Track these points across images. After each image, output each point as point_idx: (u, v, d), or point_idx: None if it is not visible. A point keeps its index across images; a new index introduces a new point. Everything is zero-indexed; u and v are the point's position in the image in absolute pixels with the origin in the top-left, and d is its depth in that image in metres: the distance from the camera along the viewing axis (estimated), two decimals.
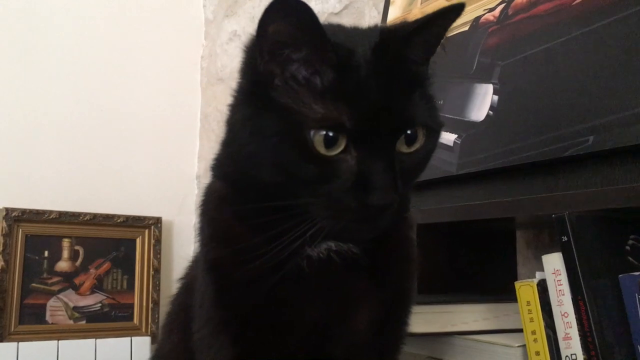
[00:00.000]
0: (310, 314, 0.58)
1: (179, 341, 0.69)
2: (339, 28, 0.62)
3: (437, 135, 0.61)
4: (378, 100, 0.53)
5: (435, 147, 0.61)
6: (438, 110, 0.62)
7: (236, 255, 0.57)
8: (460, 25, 1.14)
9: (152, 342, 2.00)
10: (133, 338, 1.98)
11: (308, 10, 0.52)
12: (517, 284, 0.77)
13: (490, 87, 1.03)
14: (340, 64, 0.54)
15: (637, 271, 0.72)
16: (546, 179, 0.91)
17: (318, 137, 0.53)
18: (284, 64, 0.56)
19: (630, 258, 0.76)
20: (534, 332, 0.75)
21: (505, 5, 1.06)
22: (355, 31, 0.62)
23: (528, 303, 0.76)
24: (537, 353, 0.74)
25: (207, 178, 2.05)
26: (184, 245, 2.24)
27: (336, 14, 1.66)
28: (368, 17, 1.54)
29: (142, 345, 1.98)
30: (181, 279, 0.77)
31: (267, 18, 0.54)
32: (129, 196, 2.12)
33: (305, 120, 0.53)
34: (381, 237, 0.57)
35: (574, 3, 0.94)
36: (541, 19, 0.98)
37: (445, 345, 0.82)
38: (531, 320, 0.75)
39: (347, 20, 1.62)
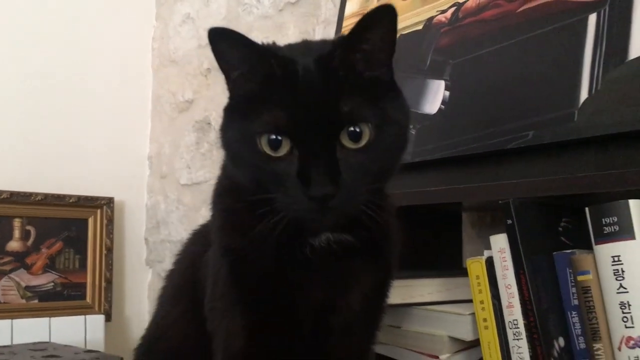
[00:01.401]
0: (314, 292, 0.67)
1: (186, 311, 0.77)
2: (297, 44, 0.71)
3: (395, 129, 0.65)
4: (313, 104, 0.61)
5: (401, 139, 0.67)
6: (399, 107, 0.67)
7: (245, 241, 0.65)
8: (414, 24, 1.24)
9: (106, 320, 2.05)
10: (87, 316, 2.02)
11: (235, 34, 0.63)
12: (467, 261, 0.88)
13: (442, 83, 1.13)
14: (282, 75, 0.62)
15: (568, 249, 0.84)
16: (491, 168, 1.02)
17: (264, 141, 0.62)
18: (233, 80, 0.66)
19: (562, 238, 0.88)
20: (482, 302, 0.86)
21: (456, 9, 1.17)
22: (309, 45, 0.70)
23: (477, 277, 0.87)
24: (485, 319, 0.86)
25: (159, 158, 2.08)
26: (135, 225, 2.28)
27: (293, 3, 1.73)
28: (324, 8, 1.62)
29: (96, 323, 2.02)
30: (178, 257, 0.85)
31: (210, 46, 0.64)
32: (81, 176, 2.13)
33: (253, 127, 0.62)
34: (365, 225, 0.66)
35: (518, 11, 1.05)
36: (489, 23, 1.09)
37: (405, 315, 0.93)
38: (480, 291, 0.86)
39: (303, 11, 1.70)
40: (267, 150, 0.62)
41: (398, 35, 0.69)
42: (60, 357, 1.48)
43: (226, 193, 0.72)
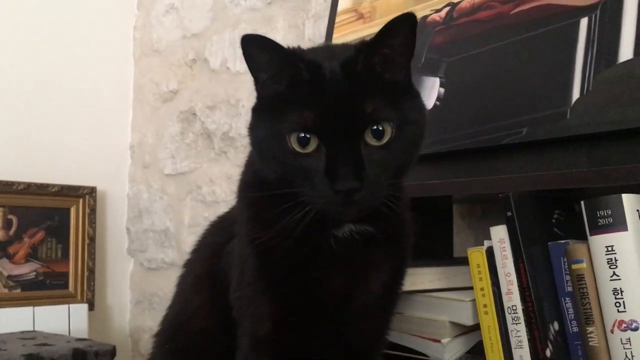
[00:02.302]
0: (337, 280, 0.72)
1: (209, 299, 0.80)
2: (321, 48, 0.77)
3: (413, 128, 0.70)
4: (339, 105, 0.65)
5: (418, 137, 0.72)
6: (417, 107, 0.72)
7: (272, 233, 0.69)
8: None
9: (90, 309, 2.05)
10: (70, 305, 2.02)
11: (265, 39, 0.67)
12: (468, 250, 0.94)
13: (437, 80, 1.18)
14: (310, 77, 0.67)
15: (561, 240, 0.90)
16: (486, 163, 1.08)
17: (293, 139, 0.66)
18: (262, 82, 0.70)
19: (555, 229, 0.94)
20: (482, 289, 0.92)
21: (450, 8, 1.22)
22: (332, 49, 0.75)
23: (478, 266, 0.92)
24: (485, 305, 0.91)
25: (141, 148, 2.08)
26: (117, 214, 2.28)
27: None
28: (314, 3, 1.65)
29: (80, 312, 2.03)
30: (197, 247, 0.88)
31: (242, 51, 0.68)
32: (63, 166, 2.12)
33: (283, 126, 0.66)
34: (385, 217, 0.70)
35: (512, 13, 1.11)
36: (483, 23, 1.14)
37: (408, 301, 0.98)
38: (480, 279, 0.92)
39: (292, 4, 1.73)
40: (296, 147, 0.66)
41: (411, 44, 0.73)
42: (52, 345, 1.49)
43: (251, 188, 0.75)
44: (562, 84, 0.99)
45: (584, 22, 1.00)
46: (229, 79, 1.90)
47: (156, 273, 2.16)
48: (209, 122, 1.95)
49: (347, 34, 1.41)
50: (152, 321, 2.15)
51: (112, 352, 1.51)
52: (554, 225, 0.94)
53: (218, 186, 1.91)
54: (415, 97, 0.73)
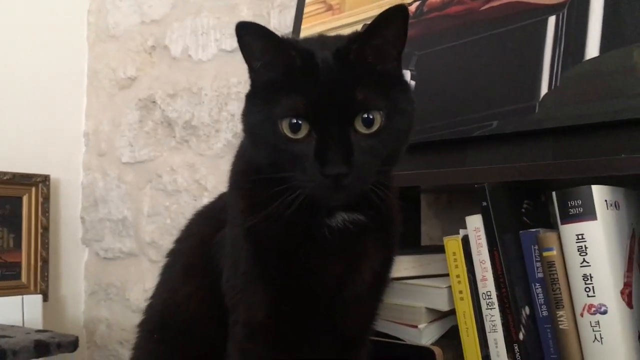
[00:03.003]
0: (331, 268, 0.74)
1: (199, 288, 0.81)
2: (314, 38, 0.78)
3: (403, 117, 0.72)
4: (331, 92, 0.67)
5: (407, 127, 0.74)
6: (406, 97, 0.74)
7: (267, 222, 0.70)
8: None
9: (44, 300, 2.01)
10: (24, 296, 1.97)
11: (260, 27, 0.69)
12: (445, 239, 0.97)
13: (407, 73, 1.21)
14: (302, 65, 0.68)
15: (529, 228, 0.94)
16: (456, 154, 1.11)
17: (285, 125, 0.68)
18: (256, 69, 0.71)
19: (525, 218, 0.99)
20: (458, 276, 0.95)
21: (420, 3, 1.24)
22: (325, 39, 0.76)
23: (454, 253, 0.96)
24: (460, 292, 0.95)
25: (96, 135, 2.04)
26: (72, 203, 2.23)
27: None
28: None
29: (34, 303, 1.97)
30: (182, 236, 0.88)
31: (237, 38, 0.69)
32: (15, 153, 2.05)
33: (275, 112, 0.68)
34: (375, 205, 0.72)
35: (482, 9, 1.14)
36: (454, 18, 1.18)
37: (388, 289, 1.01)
38: (456, 267, 0.95)
39: None
40: (287, 132, 0.68)
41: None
42: (12, 337, 1.45)
43: (243, 177, 0.76)
44: (531, 79, 1.04)
45: (551, 20, 1.04)
46: (190, 67, 1.88)
47: (113, 263, 2.13)
48: (169, 110, 1.93)
49: (316, 25, 1.42)
50: (108, 312, 2.12)
51: (75, 343, 1.49)
52: (523, 214, 0.99)
53: (180, 175, 1.89)
54: (405, 88, 0.75)
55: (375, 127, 0.68)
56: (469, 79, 1.12)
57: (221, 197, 0.90)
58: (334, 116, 0.67)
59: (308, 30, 1.44)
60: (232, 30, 1.84)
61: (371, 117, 0.68)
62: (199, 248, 0.83)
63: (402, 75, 0.76)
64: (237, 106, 1.74)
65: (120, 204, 2.10)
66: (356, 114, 0.68)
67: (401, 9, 0.70)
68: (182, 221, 1.84)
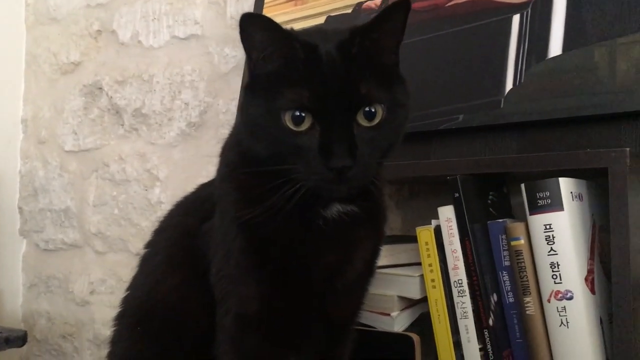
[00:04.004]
0: (325, 259, 0.74)
1: (184, 279, 0.80)
2: (313, 30, 0.78)
3: (402, 110, 0.73)
4: (334, 85, 0.68)
5: (405, 120, 0.75)
6: (404, 91, 0.75)
7: (262, 214, 0.70)
8: (344, 7, 1.32)
9: None
10: None
11: (265, 19, 0.69)
12: (417, 229, 1.00)
13: None
14: (306, 58, 0.69)
15: (495, 219, 0.98)
16: (422, 147, 1.14)
17: (288, 117, 0.68)
18: (255, 61, 0.71)
19: (490, 209, 1.03)
20: (430, 265, 0.98)
21: None
22: (325, 32, 0.75)
23: (426, 243, 0.99)
24: (433, 280, 0.98)
25: (35, 122, 1.96)
26: (9, 192, 2.13)
27: None
28: None
29: None
30: (163, 227, 0.87)
31: (239, 28, 0.69)
32: None
33: (278, 104, 0.68)
34: (367, 196, 0.74)
35: (447, 5, 1.17)
36: (419, 13, 1.20)
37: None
38: (428, 256, 0.98)
39: None
40: (291, 125, 0.68)
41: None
42: None
43: (236, 168, 0.75)
44: (496, 75, 1.08)
45: (516, 19, 1.08)
46: (141, 53, 1.83)
47: (54, 254, 2.05)
48: (118, 98, 1.87)
49: (277, 15, 1.42)
50: (49, 305, 2.04)
51: (24, 337, 1.44)
52: (489, 205, 1.03)
53: (129, 164, 1.84)
54: (403, 81, 0.76)
55: (377, 120, 0.69)
56: (435, 74, 1.15)
57: (203, 188, 0.89)
58: (337, 109, 0.67)
59: None
60: (185, 17, 1.81)
61: (373, 110, 0.69)
62: (183, 239, 0.82)
63: (398, 68, 0.77)
64: (190, 94, 1.71)
65: (62, 193, 2.03)
66: (359, 107, 0.68)
67: (406, 3, 0.71)
68: (131, 211, 1.83)
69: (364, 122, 0.69)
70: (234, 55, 1.63)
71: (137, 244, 1.82)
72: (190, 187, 1.70)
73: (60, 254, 2.04)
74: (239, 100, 0.75)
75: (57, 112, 2.04)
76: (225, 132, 1.61)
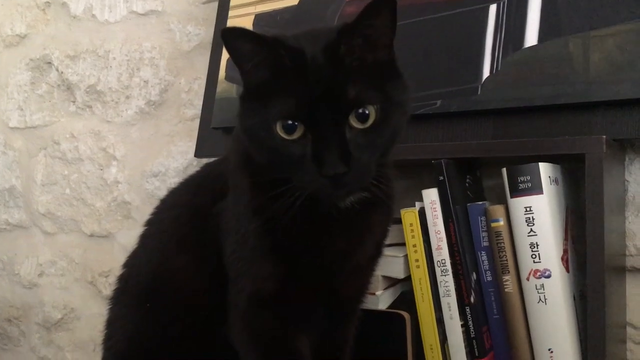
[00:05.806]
0: (339, 242, 0.75)
1: (194, 259, 0.80)
2: (303, 33, 0.74)
3: (398, 108, 0.70)
4: (322, 91, 0.65)
5: (403, 117, 0.73)
6: (400, 87, 0.72)
7: (275, 204, 0.70)
8: None
9: None
10: None
11: (245, 31, 0.68)
12: (402, 211, 1.02)
13: None
14: (292, 64, 0.67)
15: (471, 201, 1.03)
16: None
17: (279, 126, 0.67)
18: (247, 72, 0.70)
19: (468, 192, 1.07)
20: (414, 245, 1.01)
21: None
22: (315, 33, 0.73)
23: (411, 224, 1.02)
24: (417, 260, 1.01)
25: None
26: None
27: None
28: None
29: None
30: (167, 205, 0.88)
31: (224, 44, 0.69)
32: None
33: (269, 114, 0.68)
34: (378, 193, 0.73)
35: None
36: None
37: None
38: (413, 237, 1.01)
39: None
40: (283, 134, 0.67)
41: (393, 26, 0.74)
42: None
43: (248, 160, 0.75)
44: (473, 62, 1.11)
45: (492, 8, 1.12)
46: (95, 27, 1.77)
47: None
48: (69, 73, 1.80)
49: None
50: None
51: None
52: (467, 188, 1.07)
53: (82, 142, 1.78)
54: (399, 76, 0.73)
55: (370, 122, 0.67)
56: (412, 60, 1.18)
57: (210, 167, 0.88)
58: (327, 115, 0.66)
59: (237, 9, 1.41)
60: None
61: (366, 112, 0.67)
62: (193, 218, 0.82)
63: (395, 64, 0.74)
64: (150, 72, 1.66)
65: (7, 172, 1.94)
66: (350, 110, 0.66)
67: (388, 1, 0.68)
68: (84, 191, 1.78)
69: (357, 125, 0.67)
70: (197, 34, 1.60)
71: (91, 225, 1.78)
72: (149, 166, 1.67)
73: (4, 235, 1.96)
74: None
75: (0, 86, 1.95)
76: (187, 111, 1.62)
